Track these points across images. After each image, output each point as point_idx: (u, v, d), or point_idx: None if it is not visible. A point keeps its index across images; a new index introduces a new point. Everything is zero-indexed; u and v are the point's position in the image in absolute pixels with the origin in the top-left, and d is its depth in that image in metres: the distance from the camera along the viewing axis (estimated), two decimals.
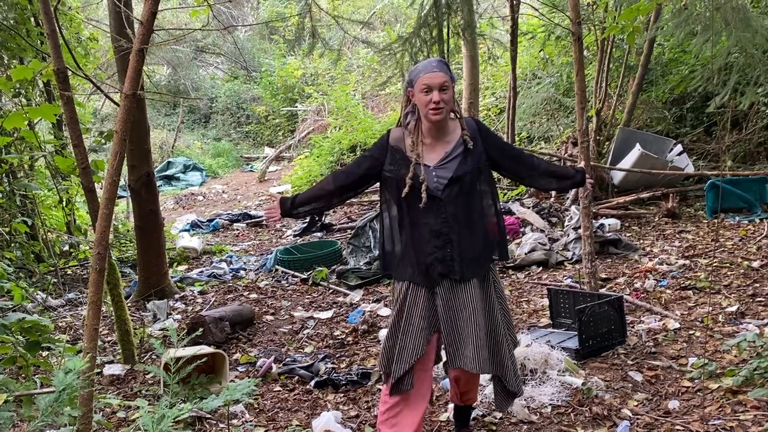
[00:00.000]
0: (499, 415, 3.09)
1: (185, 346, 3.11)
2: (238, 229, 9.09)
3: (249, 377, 3.83)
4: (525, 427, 3.01)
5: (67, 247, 7.33)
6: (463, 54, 9.21)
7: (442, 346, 2.61)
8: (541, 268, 5.64)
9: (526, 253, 5.76)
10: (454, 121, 2.53)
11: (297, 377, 3.78)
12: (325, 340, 4.41)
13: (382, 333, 4.23)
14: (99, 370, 3.91)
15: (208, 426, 3.26)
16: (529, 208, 6.87)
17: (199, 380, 3.57)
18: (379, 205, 2.66)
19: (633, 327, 4.04)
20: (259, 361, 4.06)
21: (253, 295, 5.68)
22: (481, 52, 10.61)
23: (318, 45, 6.91)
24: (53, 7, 3.17)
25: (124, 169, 5.26)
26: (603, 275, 5.10)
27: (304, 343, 4.43)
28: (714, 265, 5.07)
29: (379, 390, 3.40)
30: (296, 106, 16.71)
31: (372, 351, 4.11)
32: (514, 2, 8.25)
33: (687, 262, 5.22)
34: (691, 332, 3.89)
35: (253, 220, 9.34)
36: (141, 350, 4.29)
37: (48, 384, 3.17)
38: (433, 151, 2.49)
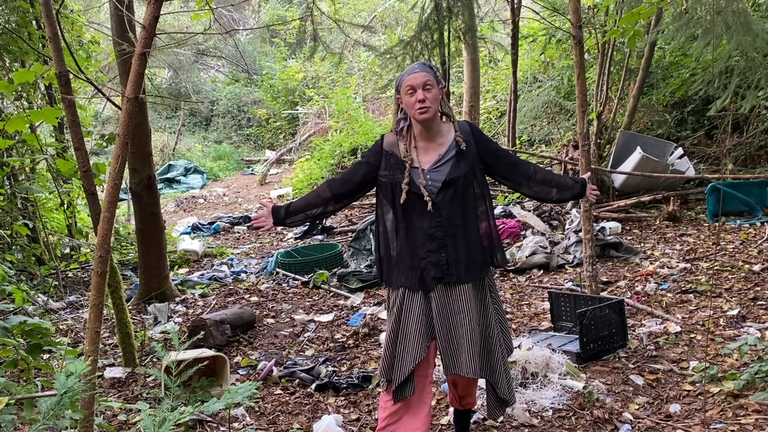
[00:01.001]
0: (500, 418, 3.09)
1: (186, 349, 3.11)
2: (238, 232, 9.10)
3: (250, 380, 3.84)
4: (526, 430, 3.01)
5: (68, 250, 7.35)
6: (464, 57, 9.26)
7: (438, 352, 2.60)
8: (542, 271, 5.64)
9: (526, 257, 5.76)
10: (446, 124, 2.53)
11: (298, 380, 3.78)
12: (326, 343, 4.41)
13: (383, 336, 4.21)
14: (100, 373, 3.91)
15: (209, 429, 3.26)
16: (530, 211, 6.88)
17: (200, 383, 3.58)
18: (375, 210, 2.66)
19: (634, 330, 4.04)
20: (260, 364, 4.06)
21: (254, 298, 5.68)
22: (482, 56, 10.64)
23: (319, 48, 6.92)
24: (55, 10, 3.18)
25: (126, 171, 5.27)
26: (604, 278, 5.10)
27: (304, 346, 4.43)
28: (715, 268, 5.07)
29: (380, 393, 3.40)
30: (297, 109, 16.73)
31: (373, 354, 4.11)
32: (515, 5, 8.27)
33: (688, 265, 5.22)
34: (693, 336, 3.89)
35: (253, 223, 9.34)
36: (142, 353, 4.29)
37: (49, 387, 3.18)
38: (426, 154, 2.48)
